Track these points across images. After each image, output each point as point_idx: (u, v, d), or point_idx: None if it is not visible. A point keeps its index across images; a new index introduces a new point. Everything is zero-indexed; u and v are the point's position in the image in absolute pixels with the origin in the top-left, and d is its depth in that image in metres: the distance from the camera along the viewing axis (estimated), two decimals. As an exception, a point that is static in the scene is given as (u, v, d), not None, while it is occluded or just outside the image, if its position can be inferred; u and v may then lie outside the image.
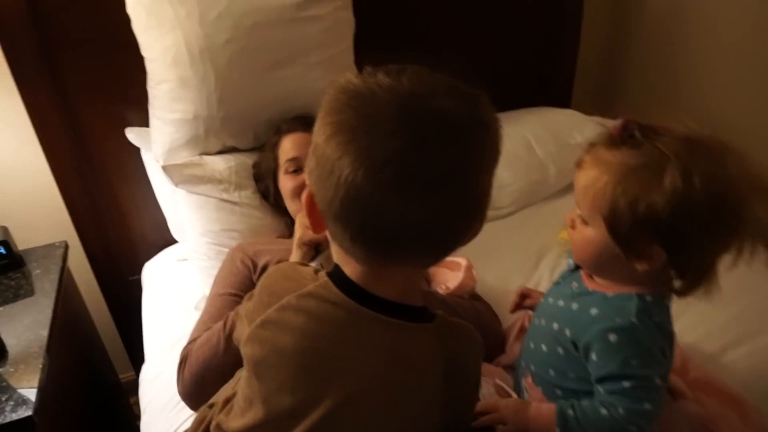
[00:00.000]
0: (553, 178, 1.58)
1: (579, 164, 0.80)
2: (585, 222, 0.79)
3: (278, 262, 1.10)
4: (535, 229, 1.50)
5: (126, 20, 1.26)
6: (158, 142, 1.35)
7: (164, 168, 1.27)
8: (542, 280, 1.35)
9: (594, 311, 0.80)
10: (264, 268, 1.11)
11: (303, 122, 1.26)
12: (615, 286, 0.81)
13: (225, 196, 1.30)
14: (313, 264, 0.93)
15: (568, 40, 1.87)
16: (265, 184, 1.29)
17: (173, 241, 1.56)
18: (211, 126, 1.31)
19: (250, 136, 1.37)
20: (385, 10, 1.56)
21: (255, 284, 1.11)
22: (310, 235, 0.89)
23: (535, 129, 1.61)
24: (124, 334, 1.71)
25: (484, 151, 0.57)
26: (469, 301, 1.15)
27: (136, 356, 1.65)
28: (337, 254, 0.64)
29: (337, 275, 0.63)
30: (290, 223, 1.29)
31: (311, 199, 0.60)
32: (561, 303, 0.88)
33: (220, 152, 1.38)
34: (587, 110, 1.73)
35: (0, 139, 1.42)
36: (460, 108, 0.54)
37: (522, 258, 1.41)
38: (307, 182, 0.60)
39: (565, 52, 1.89)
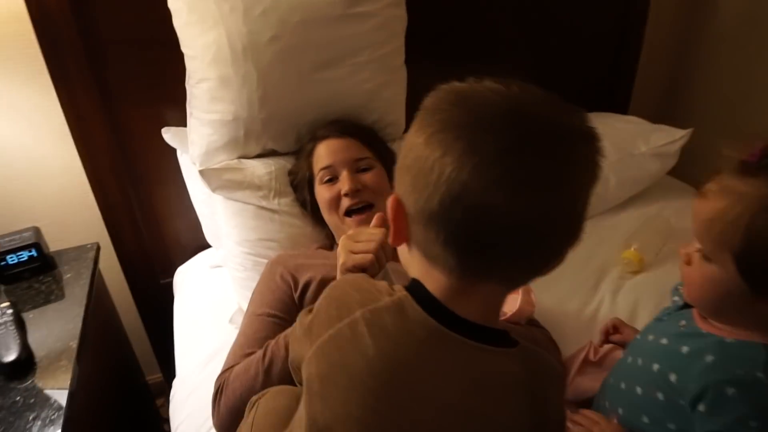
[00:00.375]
0: (612, 190, 1.46)
1: (702, 194, 0.72)
2: (706, 258, 0.70)
3: (322, 280, 1.02)
4: (594, 246, 1.39)
5: (168, 16, 1.18)
6: (195, 143, 1.28)
7: (201, 172, 1.20)
8: (603, 303, 1.24)
9: (709, 358, 0.70)
10: (306, 286, 1.03)
11: (338, 127, 1.18)
12: (735, 331, 0.71)
13: (264, 203, 1.23)
14: None
15: (631, 40, 1.74)
16: (301, 194, 1.21)
17: (207, 246, 1.50)
18: (251, 128, 1.23)
19: (292, 139, 1.29)
20: (436, 6, 1.46)
21: (296, 303, 1.06)
22: (355, 260, 0.80)
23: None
24: (152, 335, 1.66)
25: (589, 164, 0.55)
26: (527, 329, 1.05)
27: (163, 358, 1.61)
28: (418, 267, 0.59)
29: (416, 290, 0.58)
30: (331, 234, 1.21)
31: (398, 204, 0.57)
32: (664, 342, 0.78)
33: (259, 156, 1.30)
34: (646, 117, 1.61)
35: (33, 137, 1.37)
36: (568, 119, 0.55)
37: (580, 278, 1.30)
38: (395, 187, 0.58)
39: (627, 52, 1.76)
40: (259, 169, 1.25)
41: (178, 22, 1.18)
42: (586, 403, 1.04)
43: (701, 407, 0.68)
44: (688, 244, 0.75)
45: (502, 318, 1.08)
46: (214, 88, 1.19)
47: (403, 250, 0.61)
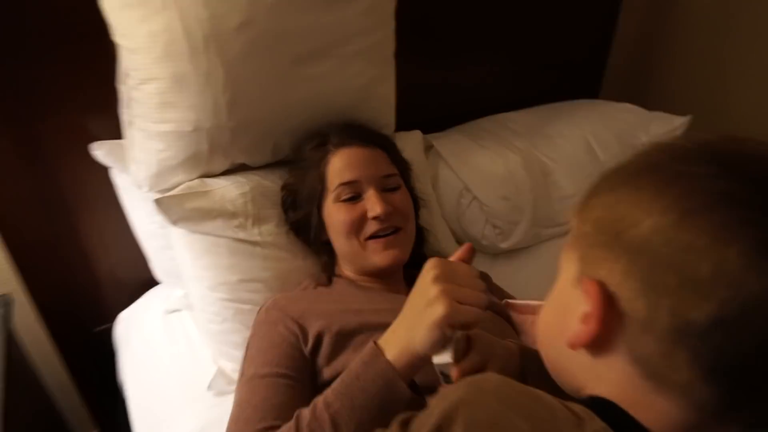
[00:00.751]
0: (618, 187, 1.34)
1: None
2: None
3: (339, 332, 0.80)
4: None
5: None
6: (141, 162, 0.99)
7: (158, 203, 0.92)
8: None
9: None
10: (318, 338, 0.81)
11: (360, 134, 0.96)
12: None
13: (241, 234, 0.97)
14: (445, 356, 0.63)
15: (602, 23, 1.63)
16: (302, 213, 0.97)
17: (155, 282, 1.21)
18: (217, 140, 0.96)
19: (268, 151, 1.04)
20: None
21: (307, 359, 0.83)
22: (466, 316, 0.59)
23: (595, 128, 1.36)
24: (87, 393, 1.35)
25: None
26: None
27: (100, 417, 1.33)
28: (621, 384, 0.43)
29: (618, 419, 0.41)
30: (330, 265, 0.99)
31: (608, 298, 0.41)
32: None
33: (225, 173, 1.04)
34: (617, 100, 1.51)
35: None
36: None
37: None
38: (587, 269, 0.44)
39: (603, 35, 1.66)
40: (231, 191, 0.99)
41: (110, 4, 0.88)
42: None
43: None
44: None
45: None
46: (165, 91, 0.91)
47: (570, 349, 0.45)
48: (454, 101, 1.46)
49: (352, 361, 0.70)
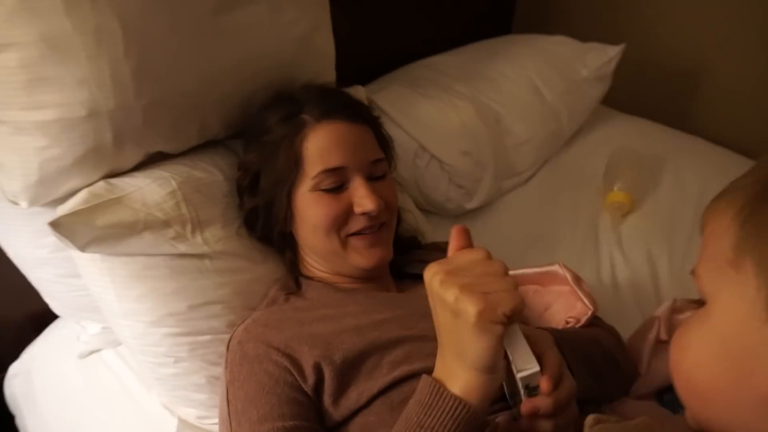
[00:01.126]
0: (566, 125, 1.28)
1: None
2: None
3: (343, 361, 0.64)
4: (570, 194, 1.20)
5: None
6: (13, 168, 0.70)
7: (56, 226, 0.66)
8: (616, 261, 1.07)
9: None
10: (318, 372, 0.64)
11: (342, 105, 0.77)
12: None
13: (182, 247, 0.74)
14: (526, 363, 0.50)
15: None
16: (264, 200, 0.76)
17: (52, 317, 0.93)
18: (126, 124, 0.70)
19: (194, 131, 0.80)
20: None
21: (312, 399, 0.65)
22: (505, 303, 0.47)
23: (537, 66, 1.27)
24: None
25: None
26: (594, 332, 0.82)
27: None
28: None
29: None
30: (295, 264, 0.80)
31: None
32: None
33: (137, 167, 0.78)
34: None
35: None
36: None
37: (577, 240, 1.11)
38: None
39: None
40: (154, 191, 0.74)
41: None
42: (669, 390, 0.88)
43: None
44: None
45: (568, 325, 0.84)
46: (34, 62, 0.63)
47: None
48: (374, 49, 1.28)
49: (374, 393, 0.60)
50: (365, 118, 0.79)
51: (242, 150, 0.83)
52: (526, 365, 0.51)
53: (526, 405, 0.52)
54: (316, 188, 0.72)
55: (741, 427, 0.37)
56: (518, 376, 0.50)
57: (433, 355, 0.54)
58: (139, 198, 0.72)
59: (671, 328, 0.91)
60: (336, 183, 0.72)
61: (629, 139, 1.30)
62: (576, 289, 0.85)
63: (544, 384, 0.52)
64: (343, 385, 0.64)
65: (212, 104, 0.78)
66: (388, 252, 0.77)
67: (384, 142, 0.83)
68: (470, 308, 0.47)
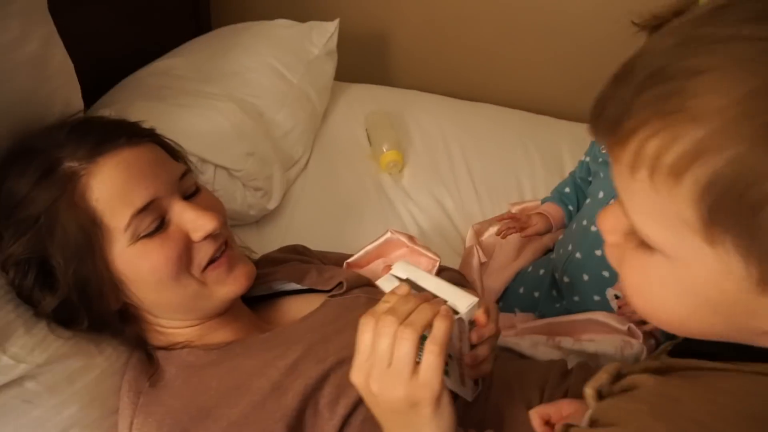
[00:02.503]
0: (317, 104, 1.30)
1: None
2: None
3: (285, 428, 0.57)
4: (347, 167, 1.24)
5: None
6: None
7: None
8: (414, 213, 1.16)
9: None
10: None
11: (107, 130, 0.61)
12: None
13: None
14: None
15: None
16: (72, 287, 0.58)
17: None
18: None
19: None
20: None
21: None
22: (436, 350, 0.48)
23: (275, 53, 1.23)
24: None
25: None
26: (454, 274, 0.90)
27: None
28: None
29: None
30: (140, 332, 0.65)
31: None
32: None
33: None
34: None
35: None
36: None
37: (373, 203, 1.17)
38: None
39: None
40: None
41: None
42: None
43: None
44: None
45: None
46: None
47: None
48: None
49: None
50: (142, 133, 0.66)
51: None
52: (466, 303, 0.52)
53: (475, 335, 0.54)
54: (135, 238, 0.58)
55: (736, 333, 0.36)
56: (465, 317, 0.51)
57: None
58: None
59: (486, 250, 1.05)
60: (155, 221, 0.60)
61: (368, 104, 1.40)
62: (414, 247, 0.90)
63: (482, 316, 0.53)
64: None
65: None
66: (251, 265, 0.69)
67: (174, 152, 0.71)
68: (425, 396, 0.46)
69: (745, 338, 0.36)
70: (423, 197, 1.19)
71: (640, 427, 0.36)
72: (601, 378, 0.43)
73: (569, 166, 1.24)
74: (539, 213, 0.95)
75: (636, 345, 0.79)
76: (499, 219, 0.98)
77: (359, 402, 0.58)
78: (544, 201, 1.00)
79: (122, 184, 0.58)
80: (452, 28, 1.54)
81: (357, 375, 0.49)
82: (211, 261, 0.63)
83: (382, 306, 0.50)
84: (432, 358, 0.47)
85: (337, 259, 0.90)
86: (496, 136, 1.32)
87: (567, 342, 0.85)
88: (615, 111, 0.34)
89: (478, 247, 1.02)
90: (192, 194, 0.65)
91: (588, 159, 0.94)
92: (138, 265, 0.59)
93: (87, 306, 0.59)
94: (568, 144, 1.31)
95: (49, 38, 0.67)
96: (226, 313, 0.69)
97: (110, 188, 0.58)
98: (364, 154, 1.27)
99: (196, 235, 0.61)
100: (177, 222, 0.61)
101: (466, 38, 1.54)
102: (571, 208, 0.95)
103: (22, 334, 0.55)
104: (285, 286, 0.81)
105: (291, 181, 1.16)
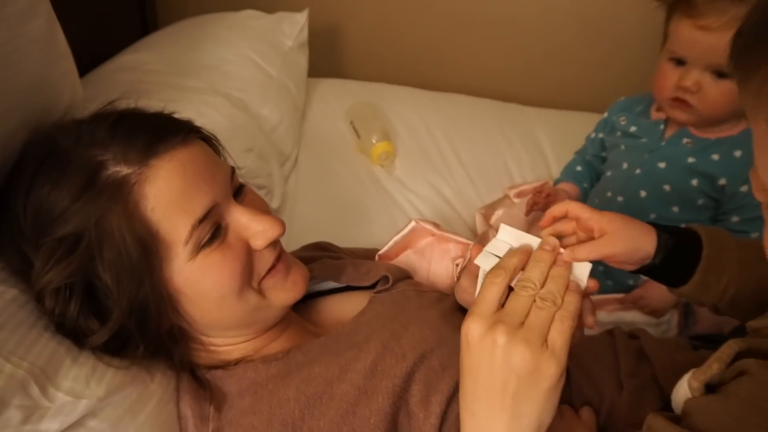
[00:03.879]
0: (297, 97, 1.23)
1: (705, 28, 0.72)
2: (721, 75, 0.72)
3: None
4: (340, 162, 1.19)
5: None
6: None
7: None
8: (415, 203, 1.13)
9: (738, 153, 0.78)
10: None
11: (155, 127, 0.53)
12: (731, 127, 0.81)
13: (51, 426, 0.42)
14: None
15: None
16: (127, 311, 0.49)
17: None
18: None
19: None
20: None
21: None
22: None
23: (251, 44, 1.16)
24: None
25: None
26: None
27: None
28: None
29: None
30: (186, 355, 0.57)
31: None
32: (687, 160, 0.81)
33: None
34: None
35: None
36: None
37: (374, 197, 1.13)
38: None
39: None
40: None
41: None
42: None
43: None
44: (689, 76, 0.74)
45: (460, 263, 0.85)
46: None
47: None
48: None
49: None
50: (189, 128, 0.59)
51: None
52: (585, 270, 0.50)
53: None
54: (197, 250, 0.51)
55: None
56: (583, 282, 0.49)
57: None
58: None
59: (496, 230, 1.04)
60: (214, 227, 0.53)
61: (344, 98, 1.35)
62: (442, 233, 0.86)
63: (593, 283, 0.51)
64: None
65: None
66: (303, 267, 0.63)
67: (217, 149, 0.64)
68: (551, 369, 0.43)
69: None
70: (420, 187, 1.16)
71: None
72: (712, 368, 0.43)
73: (548, 149, 1.27)
74: (561, 189, 0.95)
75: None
76: (529, 193, 0.98)
77: (452, 397, 0.54)
78: (556, 182, 1.00)
79: (180, 190, 0.50)
80: (405, 22, 1.53)
81: (476, 323, 0.45)
82: (270, 269, 0.57)
83: (510, 261, 0.47)
84: (566, 331, 0.44)
85: (364, 254, 0.85)
86: (476, 123, 1.32)
87: (601, 315, 0.86)
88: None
89: (492, 231, 1.01)
90: (239, 193, 0.58)
91: (601, 135, 0.96)
92: (200, 281, 0.52)
93: (143, 331, 0.50)
94: (542, 127, 1.33)
95: (50, 14, 0.57)
96: (280, 322, 0.63)
97: (167, 196, 0.50)
98: (353, 148, 1.22)
99: (258, 243, 0.55)
100: (235, 228, 0.54)
101: (418, 31, 1.53)
102: (585, 185, 0.97)
103: (69, 364, 0.46)
104: (320, 286, 0.75)
105: (285, 176, 1.09)
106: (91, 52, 1.06)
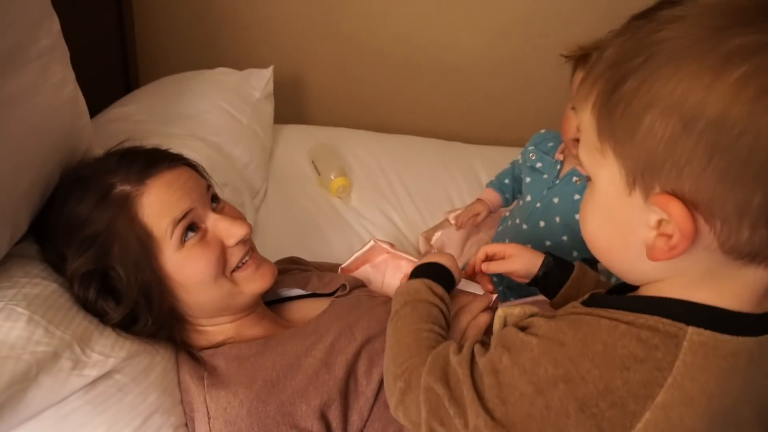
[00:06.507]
0: (265, 140, 1.41)
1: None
2: None
3: (338, 391, 0.68)
4: (301, 196, 1.36)
5: None
6: None
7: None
8: (371, 230, 1.31)
9: None
10: (324, 419, 0.66)
11: (150, 157, 0.71)
12: None
13: (92, 372, 0.57)
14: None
15: None
16: (136, 293, 0.66)
17: None
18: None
19: (5, 237, 0.59)
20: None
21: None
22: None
23: (224, 96, 1.33)
24: None
25: None
26: None
27: None
28: (707, 275, 0.41)
29: (707, 317, 0.41)
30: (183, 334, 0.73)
31: (692, 213, 0.37)
32: (574, 197, 0.98)
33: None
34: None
35: None
36: None
37: (334, 226, 1.29)
38: (678, 187, 0.38)
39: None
40: (6, 328, 0.54)
41: None
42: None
43: None
44: None
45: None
46: None
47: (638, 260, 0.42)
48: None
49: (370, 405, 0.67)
50: (177, 158, 0.76)
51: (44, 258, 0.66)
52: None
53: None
54: (180, 244, 0.67)
55: (637, 271, 0.44)
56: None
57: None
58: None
59: (440, 249, 1.22)
60: (194, 229, 0.70)
61: (305, 141, 1.53)
62: (395, 252, 1.03)
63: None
64: (344, 416, 0.67)
65: (19, 199, 0.60)
66: (273, 265, 0.79)
67: (200, 172, 0.81)
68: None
69: (638, 265, 0.43)
70: (373, 215, 1.34)
71: (529, 357, 0.44)
72: (514, 311, 0.50)
73: (485, 180, 1.47)
74: (479, 200, 1.15)
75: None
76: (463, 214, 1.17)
77: None
78: (488, 185, 1.20)
79: (165, 200, 0.67)
80: (359, 72, 1.73)
81: None
82: (240, 263, 0.74)
83: None
84: None
85: (329, 267, 1.01)
86: (423, 160, 1.52)
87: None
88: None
89: (433, 250, 1.19)
90: (217, 204, 0.75)
91: (521, 161, 1.15)
92: (184, 268, 0.68)
93: (149, 307, 0.66)
94: (481, 162, 1.54)
95: (75, 81, 0.74)
96: (255, 312, 0.78)
97: (157, 205, 0.67)
98: (314, 183, 1.39)
99: (231, 241, 0.71)
100: (212, 230, 0.71)
101: (372, 80, 1.74)
102: (507, 196, 1.16)
103: (98, 335, 0.61)
104: (290, 292, 0.91)
105: (255, 207, 1.26)
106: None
